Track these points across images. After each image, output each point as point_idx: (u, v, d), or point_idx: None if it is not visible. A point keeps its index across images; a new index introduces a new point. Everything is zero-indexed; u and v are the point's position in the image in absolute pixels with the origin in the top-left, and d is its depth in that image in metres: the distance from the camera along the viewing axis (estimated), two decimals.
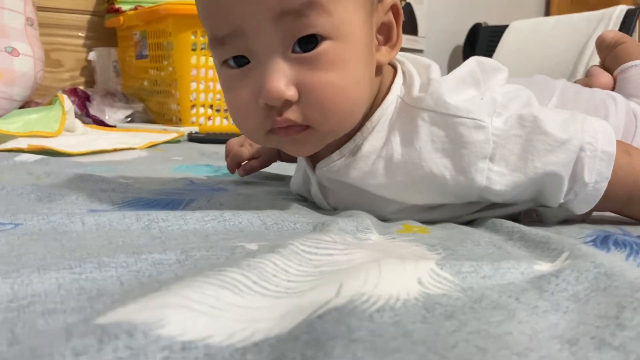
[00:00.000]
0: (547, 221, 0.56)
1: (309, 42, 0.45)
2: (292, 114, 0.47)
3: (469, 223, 0.55)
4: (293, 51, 0.45)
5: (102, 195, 0.60)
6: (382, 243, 0.45)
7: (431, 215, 0.55)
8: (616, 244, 0.45)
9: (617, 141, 0.51)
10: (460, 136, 0.49)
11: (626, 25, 1.79)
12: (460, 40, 2.59)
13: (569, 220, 0.57)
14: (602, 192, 0.50)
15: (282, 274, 0.32)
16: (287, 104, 0.46)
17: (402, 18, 0.52)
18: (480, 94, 0.52)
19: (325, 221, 0.48)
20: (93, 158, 0.99)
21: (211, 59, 1.40)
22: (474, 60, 0.55)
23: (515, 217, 0.58)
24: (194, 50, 1.45)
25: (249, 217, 0.49)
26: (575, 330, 0.27)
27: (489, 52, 2.08)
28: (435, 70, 0.53)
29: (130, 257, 0.35)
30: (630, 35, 1.79)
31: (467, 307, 0.30)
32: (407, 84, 0.53)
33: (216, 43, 0.48)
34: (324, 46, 0.45)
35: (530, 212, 0.58)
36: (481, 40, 2.23)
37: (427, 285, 0.32)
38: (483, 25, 2.33)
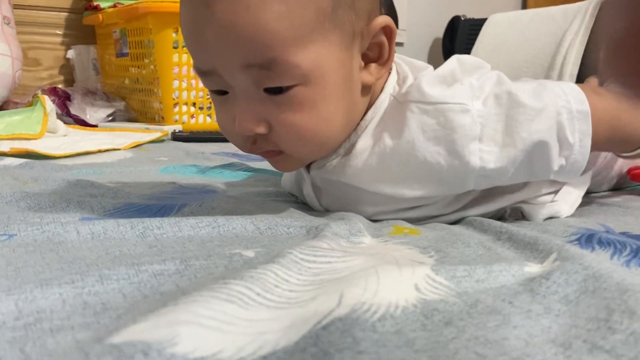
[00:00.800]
0: (533, 219, 0.58)
1: (278, 87, 0.47)
2: (264, 143, 0.51)
3: (457, 223, 0.57)
4: (265, 90, 0.48)
5: (93, 202, 0.60)
6: (375, 246, 0.46)
7: (417, 213, 0.56)
8: (600, 243, 0.46)
9: (582, 86, 0.54)
10: (451, 121, 0.51)
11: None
12: (440, 33, 2.61)
13: (553, 217, 0.59)
14: (588, 149, 0.52)
15: (283, 284, 0.33)
16: (260, 135, 0.50)
17: (395, 36, 0.52)
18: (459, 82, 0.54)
19: (319, 225, 0.49)
20: (77, 160, 0.98)
21: None
22: (455, 59, 0.57)
23: (501, 216, 0.60)
24: (175, 48, 1.44)
25: (242, 222, 0.50)
26: (568, 334, 0.28)
27: (468, 45, 2.10)
28: (423, 67, 0.56)
29: (131, 269, 0.35)
30: None
31: (464, 313, 0.31)
32: (400, 83, 0.55)
33: (199, 73, 0.51)
34: (292, 91, 0.47)
35: (516, 210, 0.60)
36: (461, 33, 2.25)
37: (423, 291, 0.33)
38: (462, 18, 2.35)
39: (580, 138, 0.52)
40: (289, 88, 0.47)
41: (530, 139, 0.51)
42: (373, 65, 0.53)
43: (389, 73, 0.56)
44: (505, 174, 0.53)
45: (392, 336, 0.27)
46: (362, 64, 0.52)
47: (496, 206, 0.58)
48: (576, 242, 0.47)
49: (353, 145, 0.55)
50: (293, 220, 0.51)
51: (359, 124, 0.55)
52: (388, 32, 0.52)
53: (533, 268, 0.38)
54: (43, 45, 1.80)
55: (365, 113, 0.55)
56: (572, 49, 1.85)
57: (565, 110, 0.52)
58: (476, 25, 2.13)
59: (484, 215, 0.58)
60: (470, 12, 2.46)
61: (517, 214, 0.60)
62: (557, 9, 1.98)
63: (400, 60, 0.58)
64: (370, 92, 0.55)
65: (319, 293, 0.32)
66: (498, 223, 0.51)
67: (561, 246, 0.41)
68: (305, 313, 0.30)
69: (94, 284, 0.33)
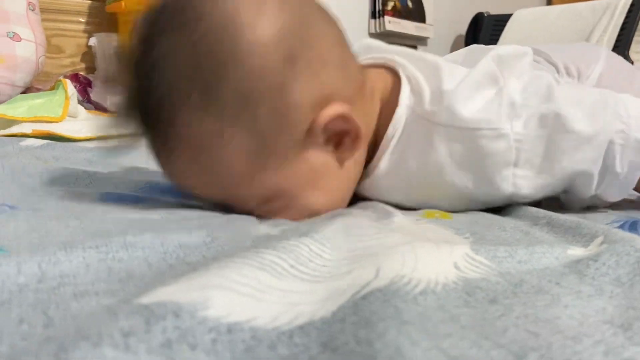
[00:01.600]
0: (570, 208, 0.55)
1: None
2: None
3: (491, 210, 0.55)
4: None
5: (116, 179, 0.59)
6: (407, 226, 0.44)
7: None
8: None
9: None
10: (482, 148, 0.47)
11: (632, 16, 1.78)
12: (463, 29, 2.58)
13: (591, 207, 0.56)
14: (635, 181, 0.49)
15: (317, 259, 0.31)
16: None
17: (350, 116, 0.45)
18: (499, 92, 0.48)
19: (343, 212, 0.47)
20: (98, 143, 0.97)
21: None
22: (490, 59, 0.51)
23: (536, 204, 0.58)
24: None
25: None
26: (626, 315, 0.26)
27: (491, 42, 2.06)
28: (446, 74, 0.49)
29: (156, 238, 0.34)
30: (636, 26, 1.78)
31: (509, 292, 0.29)
32: (415, 91, 0.50)
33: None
34: (261, 208, 0.46)
35: (552, 198, 0.58)
36: (484, 30, 2.21)
37: (464, 270, 0.32)
38: (486, 14, 2.32)
39: (630, 170, 0.48)
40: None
41: (570, 169, 0.48)
42: (347, 140, 0.47)
43: (398, 81, 0.51)
44: (538, 196, 0.51)
45: (436, 311, 0.25)
46: (332, 148, 0.47)
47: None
48: (619, 229, 0.45)
49: (377, 166, 0.52)
50: None
51: (380, 143, 0.51)
52: (340, 120, 0.45)
53: (577, 251, 0.36)
54: (66, 33, 1.80)
55: (384, 130, 0.51)
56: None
57: (621, 137, 0.47)
58: (500, 21, 2.10)
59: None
60: (495, 9, 2.42)
61: (553, 203, 0.58)
62: (585, 5, 1.94)
63: (404, 60, 0.53)
64: (367, 138, 0.50)
65: (354, 267, 0.30)
66: (534, 209, 0.49)
67: (607, 230, 0.39)
68: (341, 285, 0.28)
69: (118, 250, 0.32)
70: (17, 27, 1.44)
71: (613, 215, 0.49)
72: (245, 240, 0.36)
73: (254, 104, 0.42)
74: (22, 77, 1.44)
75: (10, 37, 1.42)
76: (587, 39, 1.83)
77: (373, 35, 2.46)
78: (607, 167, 0.48)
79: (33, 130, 0.98)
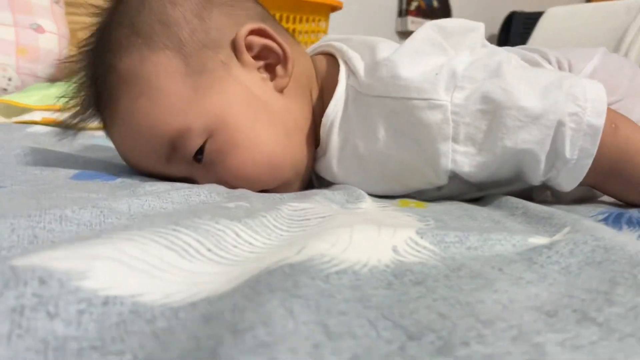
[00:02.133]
0: (561, 199, 0.52)
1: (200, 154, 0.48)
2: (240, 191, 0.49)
3: (475, 200, 0.52)
4: (199, 163, 0.49)
5: (102, 162, 0.58)
6: (373, 212, 0.42)
7: (433, 194, 0.52)
8: (630, 222, 0.41)
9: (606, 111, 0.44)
10: (417, 120, 0.45)
11: None
12: (495, 28, 2.52)
13: (585, 199, 0.53)
14: (585, 170, 0.44)
15: (244, 246, 0.30)
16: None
17: (268, 30, 0.51)
18: (442, 63, 0.46)
19: (314, 191, 0.45)
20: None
21: None
22: (429, 27, 0.50)
23: (528, 196, 0.55)
24: None
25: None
26: (557, 303, 0.24)
27: (523, 41, 2.01)
28: (383, 48, 0.49)
29: (99, 216, 0.33)
30: None
31: (442, 276, 0.27)
32: (353, 70, 0.50)
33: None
34: (208, 148, 0.48)
35: (544, 189, 0.55)
36: (515, 28, 2.16)
37: (402, 254, 0.30)
38: (518, 12, 2.26)
39: (580, 156, 0.44)
40: (204, 148, 0.48)
41: (514, 148, 0.44)
42: (278, 68, 0.51)
43: (334, 62, 0.52)
44: (479, 177, 0.48)
45: (346, 290, 0.24)
46: (266, 75, 0.51)
47: (522, 185, 0.53)
48: (602, 221, 0.42)
49: (327, 145, 0.51)
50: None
51: (321, 122, 0.51)
52: (259, 33, 0.51)
53: (540, 240, 0.34)
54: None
55: (325, 110, 0.51)
56: (633, 46, 1.74)
57: (574, 121, 0.43)
58: (531, 19, 2.04)
59: (509, 194, 0.53)
60: (529, 7, 2.37)
61: (545, 194, 0.55)
62: (620, 3, 1.87)
63: (342, 44, 0.53)
64: (302, 88, 0.53)
65: (281, 249, 0.29)
66: (516, 200, 0.47)
67: (577, 220, 0.36)
68: (259, 265, 0.26)
69: (51, 221, 0.31)
70: (40, 19, 1.47)
71: (601, 207, 0.46)
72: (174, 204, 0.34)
73: (176, 28, 0.48)
74: (44, 69, 1.47)
75: (33, 29, 1.45)
76: (621, 39, 1.76)
77: (399, 33, 2.44)
78: (556, 152, 0.44)
79: (43, 118, 1.00)
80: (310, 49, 0.60)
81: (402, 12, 2.43)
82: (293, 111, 0.52)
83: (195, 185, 0.45)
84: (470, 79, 0.45)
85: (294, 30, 1.43)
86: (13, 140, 0.77)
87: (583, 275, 0.27)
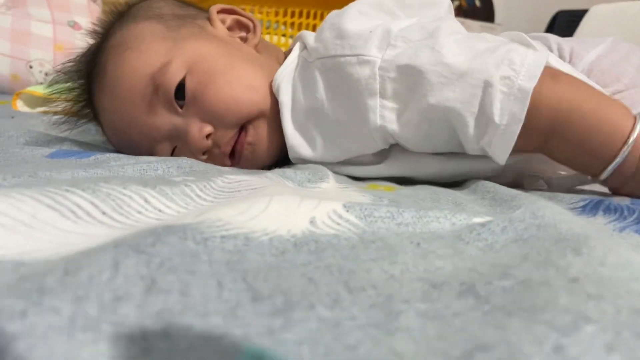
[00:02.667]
0: (554, 188, 0.49)
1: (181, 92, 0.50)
2: (221, 136, 0.51)
3: (455, 185, 0.49)
4: (180, 106, 0.50)
5: (86, 144, 0.59)
6: (330, 191, 0.40)
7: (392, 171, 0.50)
8: (607, 210, 0.38)
9: (546, 67, 0.41)
10: (349, 75, 0.45)
11: None
12: (541, 28, 2.44)
13: (577, 189, 0.50)
14: (515, 136, 0.41)
15: (150, 212, 0.28)
16: (214, 135, 0.51)
17: (239, 10, 0.58)
18: (385, 23, 0.46)
19: (273, 170, 0.44)
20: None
21: None
22: None
23: (520, 184, 0.52)
24: None
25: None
26: (450, 276, 0.22)
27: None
28: (331, 15, 0.51)
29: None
30: None
31: (346, 247, 0.25)
32: (305, 44, 0.52)
33: (155, 143, 0.53)
34: (188, 84, 0.50)
35: (536, 178, 0.52)
36: (558, 26, 2.08)
37: (319, 225, 0.28)
38: (564, 11, 2.18)
39: (509, 122, 0.40)
40: (185, 83, 0.50)
41: (437, 106, 0.42)
42: (249, 35, 0.57)
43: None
44: (413, 139, 0.45)
45: (219, 253, 0.22)
46: (239, 40, 0.57)
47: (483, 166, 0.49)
48: (580, 209, 0.39)
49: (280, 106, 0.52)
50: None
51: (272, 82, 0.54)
52: (229, 11, 0.58)
53: (485, 219, 0.31)
54: None
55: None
56: None
57: (506, 84, 0.40)
58: (575, 17, 1.96)
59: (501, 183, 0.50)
60: (574, 6, 2.28)
61: (539, 183, 0.52)
62: None
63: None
64: (271, 53, 0.57)
65: (187, 215, 0.27)
66: (492, 184, 0.44)
67: (534, 202, 0.33)
68: (149, 228, 0.25)
69: None
70: (77, 17, 1.51)
71: (585, 195, 0.42)
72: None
73: (158, 10, 0.55)
74: None
75: (70, 26, 1.50)
76: None
77: None
78: (485, 116, 0.41)
79: (63, 108, 1.02)
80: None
81: None
82: (262, 59, 0.55)
83: (159, 159, 0.44)
84: (404, 38, 0.44)
85: (315, 26, 1.42)
86: (21, 127, 0.79)
87: (502, 252, 0.25)
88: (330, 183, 0.43)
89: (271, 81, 0.52)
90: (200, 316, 0.17)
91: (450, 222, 0.30)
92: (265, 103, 0.52)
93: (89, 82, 0.56)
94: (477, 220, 0.31)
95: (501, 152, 0.42)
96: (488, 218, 0.31)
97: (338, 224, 0.28)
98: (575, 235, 0.24)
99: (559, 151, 0.44)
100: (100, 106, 0.55)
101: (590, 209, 0.39)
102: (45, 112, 1.01)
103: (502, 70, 0.40)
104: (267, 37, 1.36)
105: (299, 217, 0.28)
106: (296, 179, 0.42)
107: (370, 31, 0.45)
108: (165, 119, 0.51)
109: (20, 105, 1.07)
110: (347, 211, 0.30)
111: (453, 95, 0.41)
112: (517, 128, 0.40)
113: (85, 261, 0.18)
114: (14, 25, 1.47)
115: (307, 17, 1.41)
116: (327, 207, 0.30)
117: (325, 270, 0.22)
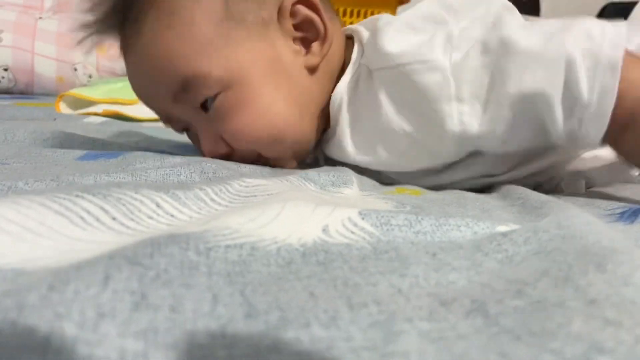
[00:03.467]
0: (596, 183, 0.47)
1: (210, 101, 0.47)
2: (239, 157, 0.49)
3: (484, 190, 0.48)
4: (203, 110, 0.48)
5: (117, 145, 0.60)
6: (352, 198, 0.39)
7: (438, 180, 0.48)
8: None
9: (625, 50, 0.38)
10: (417, 84, 0.42)
11: None
12: None
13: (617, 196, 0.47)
14: (610, 110, 0.38)
15: (162, 217, 0.28)
16: (230, 151, 0.49)
17: (319, 5, 0.48)
18: (442, 28, 0.44)
19: (295, 171, 0.43)
20: (159, 123, 1.01)
21: None
22: (433, 1, 0.47)
23: (557, 186, 0.50)
24: None
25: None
26: (463, 292, 0.20)
27: None
28: (383, 21, 0.47)
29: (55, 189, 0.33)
30: None
31: (355, 258, 0.24)
32: (364, 48, 0.48)
33: (164, 123, 0.53)
34: (219, 100, 0.46)
35: (574, 181, 0.49)
36: (606, 19, 2.00)
37: (332, 234, 0.27)
38: (612, 2, 2.09)
39: (601, 95, 0.38)
40: (215, 99, 0.47)
41: (519, 93, 0.39)
42: (314, 45, 0.49)
43: (353, 44, 0.50)
44: (495, 140, 0.43)
45: (221, 264, 0.21)
46: (300, 48, 0.49)
47: (538, 166, 0.48)
48: (618, 215, 0.37)
49: (337, 122, 0.50)
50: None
51: (330, 102, 0.50)
52: (308, 4, 0.48)
53: (510, 227, 0.30)
54: None
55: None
56: None
57: (589, 55, 0.37)
58: (623, 10, 1.88)
59: (535, 181, 0.48)
60: None
61: (577, 186, 0.49)
62: None
63: (359, 26, 0.51)
64: (331, 71, 0.51)
65: (199, 222, 0.27)
66: (523, 189, 0.42)
67: (564, 209, 0.32)
68: (152, 237, 0.25)
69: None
70: None
71: (626, 202, 0.40)
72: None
73: None
74: (122, 67, 1.55)
75: None
76: None
77: None
78: (572, 95, 0.38)
79: (103, 110, 1.04)
80: None
81: None
82: (314, 93, 0.50)
83: (182, 163, 0.44)
84: (467, 38, 0.42)
85: None
86: (61, 128, 0.80)
87: (523, 265, 0.23)
88: (354, 189, 0.42)
89: (316, 117, 0.50)
90: (187, 334, 0.16)
91: (472, 231, 0.29)
92: (292, 149, 0.50)
93: (121, 15, 0.49)
94: (501, 228, 0.29)
95: (595, 131, 0.39)
96: (513, 226, 0.29)
97: (352, 232, 0.27)
98: (602, 249, 0.22)
99: (632, 145, 0.41)
100: (126, 55, 0.51)
101: (628, 215, 0.36)
102: (86, 114, 1.04)
103: (583, 43, 0.38)
104: None
105: (311, 225, 0.27)
106: (319, 182, 0.41)
107: (431, 38, 0.43)
108: (186, 113, 0.49)
109: (63, 108, 1.10)
110: (363, 219, 0.29)
111: (533, 79, 0.39)
112: (612, 101, 0.38)
113: (74, 275, 0.17)
114: (59, 29, 1.51)
115: (344, 15, 1.39)
116: (342, 214, 0.29)
117: (329, 283, 0.21)
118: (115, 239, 0.25)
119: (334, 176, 0.43)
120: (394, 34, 0.44)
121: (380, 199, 0.39)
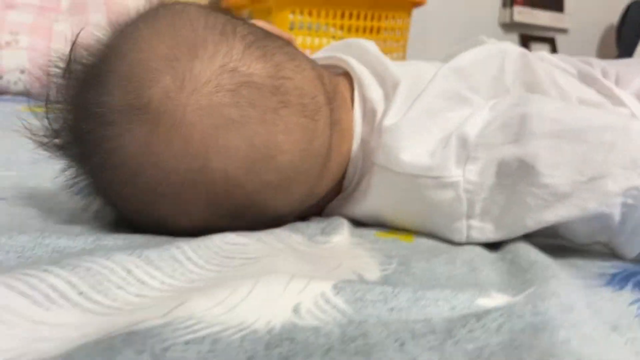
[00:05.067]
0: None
1: None
2: None
3: None
4: None
5: None
6: (339, 248, 0.39)
7: None
8: (638, 284, 0.34)
9: None
10: (426, 198, 0.40)
11: None
12: (613, 19, 2.29)
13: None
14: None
15: (132, 286, 0.28)
16: None
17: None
18: (458, 127, 0.41)
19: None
20: None
21: (309, 39, 1.37)
22: (444, 75, 0.44)
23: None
24: (291, 29, 1.43)
25: None
26: None
27: (636, 34, 1.81)
28: (397, 100, 0.43)
29: (32, 242, 0.33)
30: None
31: (321, 350, 0.24)
32: (369, 119, 0.44)
33: None
34: None
35: None
36: (630, 17, 1.95)
37: (303, 315, 0.26)
38: (637, 1, 2.04)
39: (634, 229, 0.36)
40: None
41: (537, 226, 0.38)
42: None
43: (352, 100, 0.45)
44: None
45: None
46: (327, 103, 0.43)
47: None
48: (609, 277, 0.35)
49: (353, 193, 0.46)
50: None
51: (346, 179, 0.46)
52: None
53: (493, 301, 0.29)
54: None
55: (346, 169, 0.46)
56: None
57: (633, 196, 0.35)
58: None
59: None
60: None
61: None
62: None
63: (361, 73, 0.46)
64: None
65: (162, 300, 0.27)
66: (515, 241, 0.41)
67: (549, 277, 0.31)
68: (118, 322, 0.24)
69: None
70: None
71: (622, 263, 0.38)
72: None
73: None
74: None
75: None
76: None
77: (503, 26, 2.28)
78: (601, 224, 0.37)
79: None
80: (319, 54, 0.54)
81: (507, 2, 2.24)
82: (332, 154, 0.44)
83: None
84: (485, 145, 0.40)
85: (372, 28, 1.39)
86: None
87: None
88: (344, 235, 0.41)
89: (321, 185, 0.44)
90: None
91: (449, 306, 0.28)
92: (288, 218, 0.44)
93: None
94: (481, 302, 0.29)
95: (629, 252, 0.38)
96: (492, 302, 0.29)
97: (324, 311, 0.27)
98: (569, 353, 0.22)
99: None
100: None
101: (619, 280, 0.35)
102: None
103: (624, 182, 0.35)
104: (315, 41, 1.35)
105: (283, 304, 0.27)
106: (307, 232, 0.40)
107: (445, 146, 0.40)
108: None
109: None
110: (337, 294, 0.28)
111: (555, 217, 0.37)
112: None
113: None
114: (75, 32, 1.52)
115: (358, 18, 1.38)
116: (316, 289, 0.28)
117: None
118: (79, 319, 0.25)
119: (324, 224, 0.42)
120: (409, 133, 0.41)
121: (368, 250, 0.39)
